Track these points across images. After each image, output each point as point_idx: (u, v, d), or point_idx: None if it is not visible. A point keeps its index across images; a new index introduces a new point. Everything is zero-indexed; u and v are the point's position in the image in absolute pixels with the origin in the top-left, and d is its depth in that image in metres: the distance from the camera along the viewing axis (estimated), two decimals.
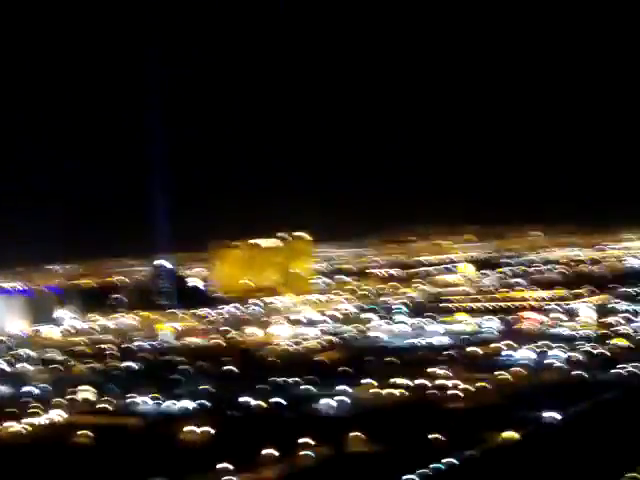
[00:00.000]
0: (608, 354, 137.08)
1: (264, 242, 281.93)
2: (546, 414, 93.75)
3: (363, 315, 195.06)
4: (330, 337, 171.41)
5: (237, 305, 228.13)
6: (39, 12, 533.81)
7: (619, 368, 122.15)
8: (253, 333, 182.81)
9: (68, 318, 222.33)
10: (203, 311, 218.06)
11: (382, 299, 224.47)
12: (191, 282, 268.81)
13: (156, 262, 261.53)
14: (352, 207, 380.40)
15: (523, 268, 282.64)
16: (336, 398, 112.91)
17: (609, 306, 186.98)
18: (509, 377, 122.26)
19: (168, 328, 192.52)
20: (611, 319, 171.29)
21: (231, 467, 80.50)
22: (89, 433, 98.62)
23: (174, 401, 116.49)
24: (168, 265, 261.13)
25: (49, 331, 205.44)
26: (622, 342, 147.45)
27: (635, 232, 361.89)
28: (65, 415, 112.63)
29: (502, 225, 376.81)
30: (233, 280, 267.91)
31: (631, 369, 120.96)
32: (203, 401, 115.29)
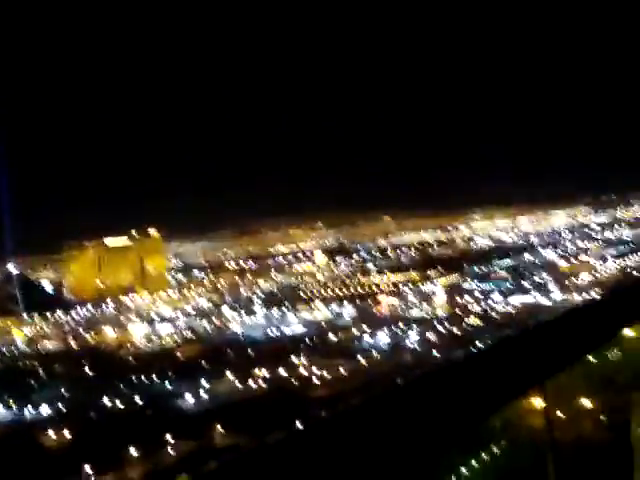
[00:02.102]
0: (462, 334, 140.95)
1: (115, 241, 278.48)
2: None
3: (220, 309, 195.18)
4: (187, 333, 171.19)
5: (91, 307, 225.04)
6: None
7: (474, 347, 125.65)
8: (110, 333, 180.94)
9: None
10: (57, 315, 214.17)
11: (237, 292, 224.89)
12: (43, 286, 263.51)
13: (5, 267, 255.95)
14: (203, 201, 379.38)
15: (374, 254, 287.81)
16: (197, 393, 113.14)
17: (461, 286, 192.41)
18: (367, 362, 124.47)
19: (19, 333, 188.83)
20: (463, 299, 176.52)
21: (93, 471, 79.92)
22: None
23: (33, 407, 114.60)
24: (17, 270, 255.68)
25: None
26: (475, 321, 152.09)
27: (480, 212, 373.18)
28: None
29: (352, 212, 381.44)
30: (86, 281, 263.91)
31: (483, 347, 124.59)
32: (60, 406, 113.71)
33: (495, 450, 57.12)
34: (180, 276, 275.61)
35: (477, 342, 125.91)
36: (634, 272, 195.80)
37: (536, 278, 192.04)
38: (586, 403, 62.84)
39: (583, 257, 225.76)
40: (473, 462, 54.36)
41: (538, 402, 57.77)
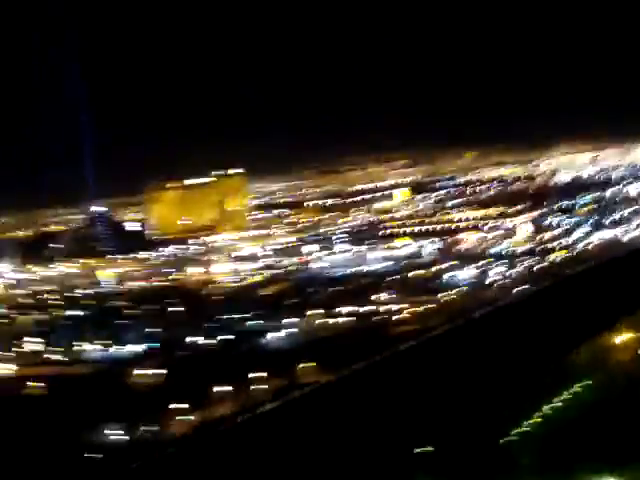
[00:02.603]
0: (549, 267, 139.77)
1: (199, 181, 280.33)
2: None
3: (304, 247, 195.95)
4: (273, 271, 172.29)
5: (177, 246, 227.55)
6: None
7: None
8: (195, 273, 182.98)
9: (7, 271, 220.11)
10: (143, 254, 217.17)
11: (322, 229, 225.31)
12: (129, 226, 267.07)
13: (92, 208, 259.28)
14: (285, 140, 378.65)
15: (459, 189, 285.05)
16: (284, 331, 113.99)
17: (547, 221, 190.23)
18: (454, 298, 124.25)
19: (110, 274, 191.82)
20: (549, 233, 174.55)
21: (185, 406, 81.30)
22: (40, 384, 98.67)
23: (122, 346, 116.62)
24: (104, 211, 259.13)
25: None
26: (562, 254, 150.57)
27: (561, 146, 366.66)
28: (14, 368, 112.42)
29: (435, 149, 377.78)
30: (170, 221, 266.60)
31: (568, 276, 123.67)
32: (151, 344, 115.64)
33: (585, 383, 56.43)
34: (266, 214, 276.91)
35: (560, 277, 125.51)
36: None
37: (619, 213, 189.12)
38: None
39: None
40: (562, 396, 54.05)
41: (629, 334, 56.54)
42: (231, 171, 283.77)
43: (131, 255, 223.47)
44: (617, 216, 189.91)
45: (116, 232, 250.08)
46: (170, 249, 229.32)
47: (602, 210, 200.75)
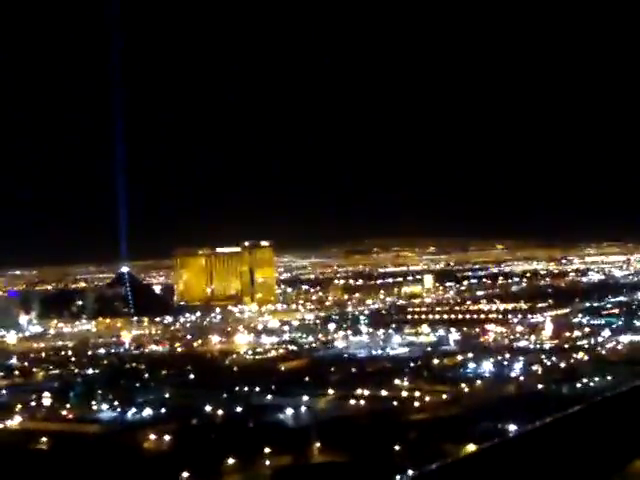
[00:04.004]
0: (570, 368, 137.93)
1: (228, 250, 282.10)
2: (509, 426, 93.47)
3: (327, 325, 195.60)
4: (293, 347, 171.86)
5: (201, 313, 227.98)
6: None
7: (581, 382, 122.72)
8: (216, 342, 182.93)
9: (30, 324, 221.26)
10: (167, 319, 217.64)
11: (346, 309, 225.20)
12: (155, 290, 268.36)
13: (120, 269, 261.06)
14: (316, 218, 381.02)
15: (485, 281, 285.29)
16: (299, 408, 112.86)
17: (572, 320, 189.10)
18: (472, 389, 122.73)
19: (128, 335, 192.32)
20: (574, 333, 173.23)
21: (193, 476, 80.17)
22: (49, 440, 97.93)
23: (136, 409, 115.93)
24: (132, 273, 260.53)
25: (11, 337, 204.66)
26: (584, 356, 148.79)
27: (594, 247, 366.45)
28: (26, 422, 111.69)
29: (465, 238, 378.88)
30: (197, 288, 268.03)
31: (593, 384, 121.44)
32: (165, 409, 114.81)
33: None
34: (291, 289, 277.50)
35: (583, 378, 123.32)
36: None
37: None
38: None
39: None
40: None
41: None
42: (261, 243, 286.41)
43: (157, 318, 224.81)
44: None
45: (142, 294, 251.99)
46: (194, 316, 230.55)
47: (631, 313, 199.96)
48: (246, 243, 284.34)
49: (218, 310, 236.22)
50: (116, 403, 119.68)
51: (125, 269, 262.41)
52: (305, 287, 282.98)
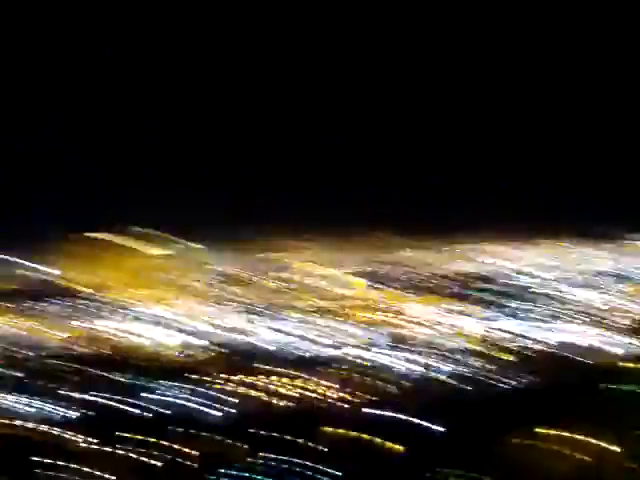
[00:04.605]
0: (493, 368, 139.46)
1: (116, 236, 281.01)
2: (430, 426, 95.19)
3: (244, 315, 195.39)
4: (204, 341, 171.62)
5: (86, 300, 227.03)
6: None
7: (504, 383, 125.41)
8: (106, 330, 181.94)
9: None
10: (54, 307, 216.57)
11: (254, 305, 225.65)
12: (42, 275, 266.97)
13: None
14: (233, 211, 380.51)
15: (414, 283, 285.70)
16: (215, 404, 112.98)
17: (501, 319, 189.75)
18: (388, 388, 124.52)
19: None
20: (502, 333, 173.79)
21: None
22: None
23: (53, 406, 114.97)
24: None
25: None
26: (503, 355, 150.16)
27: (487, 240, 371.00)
28: None
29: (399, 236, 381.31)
30: (86, 274, 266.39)
31: (516, 384, 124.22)
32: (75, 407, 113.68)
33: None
34: (196, 279, 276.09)
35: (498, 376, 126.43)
36: None
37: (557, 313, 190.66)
38: (604, 443, 60.48)
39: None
40: None
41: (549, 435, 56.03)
42: (151, 228, 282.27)
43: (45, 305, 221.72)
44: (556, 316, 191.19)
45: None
46: (76, 304, 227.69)
47: (560, 313, 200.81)
48: (135, 229, 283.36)
49: (105, 299, 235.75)
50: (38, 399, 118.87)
51: None
52: (210, 280, 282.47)
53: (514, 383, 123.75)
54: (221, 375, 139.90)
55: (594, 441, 64.40)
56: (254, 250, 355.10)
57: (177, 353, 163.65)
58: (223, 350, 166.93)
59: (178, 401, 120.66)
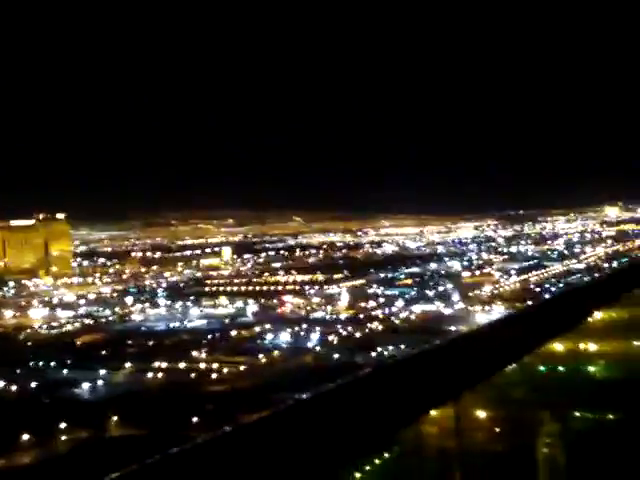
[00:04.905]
0: (365, 338, 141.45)
1: (22, 223, 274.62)
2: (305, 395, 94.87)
3: (124, 298, 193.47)
4: (90, 321, 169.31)
5: None
6: None
7: (377, 351, 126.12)
8: (10, 317, 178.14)
9: None
10: None
11: (144, 282, 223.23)
12: None
13: None
14: (113, 190, 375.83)
15: (282, 253, 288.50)
16: (96, 382, 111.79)
17: (367, 291, 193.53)
18: (270, 360, 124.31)
19: None
20: (369, 304, 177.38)
21: None
22: None
23: None
24: None
25: None
26: (379, 326, 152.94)
27: (388, 219, 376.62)
28: None
29: (262, 211, 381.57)
30: None
31: (388, 352, 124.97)
32: None
33: (398, 456, 56.23)
34: (88, 262, 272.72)
35: (378, 347, 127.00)
36: (536, 288, 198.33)
37: (440, 287, 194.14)
38: (496, 419, 62.25)
39: (487, 269, 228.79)
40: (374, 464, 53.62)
41: (449, 414, 56.78)
42: (57, 215, 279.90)
43: None
44: (438, 289, 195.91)
45: None
46: None
47: (423, 283, 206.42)
48: (41, 216, 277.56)
49: (12, 284, 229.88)
50: None
51: None
52: (102, 260, 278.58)
53: (383, 350, 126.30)
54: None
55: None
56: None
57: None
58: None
59: None
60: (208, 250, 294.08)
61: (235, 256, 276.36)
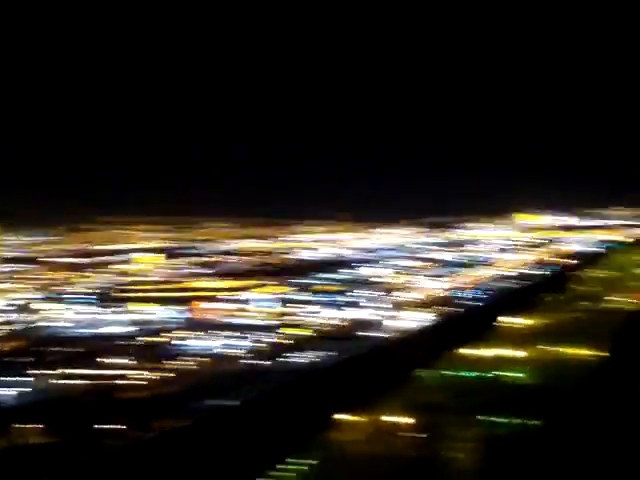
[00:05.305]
0: (285, 342, 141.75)
1: None
2: (225, 402, 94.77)
3: (42, 304, 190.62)
4: (6, 327, 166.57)
5: None
6: None
7: (296, 356, 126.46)
8: None
9: None
10: None
11: (63, 287, 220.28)
12: None
13: None
14: (36, 194, 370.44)
15: (204, 258, 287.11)
16: (12, 389, 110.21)
17: (286, 296, 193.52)
18: (191, 366, 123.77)
19: None
20: (288, 309, 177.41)
21: None
22: None
23: None
24: None
25: None
26: (299, 331, 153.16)
27: (305, 225, 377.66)
28: None
29: (187, 216, 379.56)
30: None
31: (308, 357, 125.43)
32: None
33: (313, 462, 56.21)
34: (5, 268, 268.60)
35: (297, 352, 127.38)
36: (458, 293, 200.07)
37: (357, 293, 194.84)
38: (409, 424, 62.22)
39: (407, 275, 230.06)
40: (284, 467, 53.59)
41: (362, 420, 56.63)
42: None
43: None
44: (352, 296, 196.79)
45: None
46: None
47: (341, 289, 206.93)
48: None
49: None
50: None
51: None
52: (18, 265, 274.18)
53: (312, 356, 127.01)
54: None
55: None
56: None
57: None
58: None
59: None
60: (130, 255, 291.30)
61: (157, 261, 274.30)
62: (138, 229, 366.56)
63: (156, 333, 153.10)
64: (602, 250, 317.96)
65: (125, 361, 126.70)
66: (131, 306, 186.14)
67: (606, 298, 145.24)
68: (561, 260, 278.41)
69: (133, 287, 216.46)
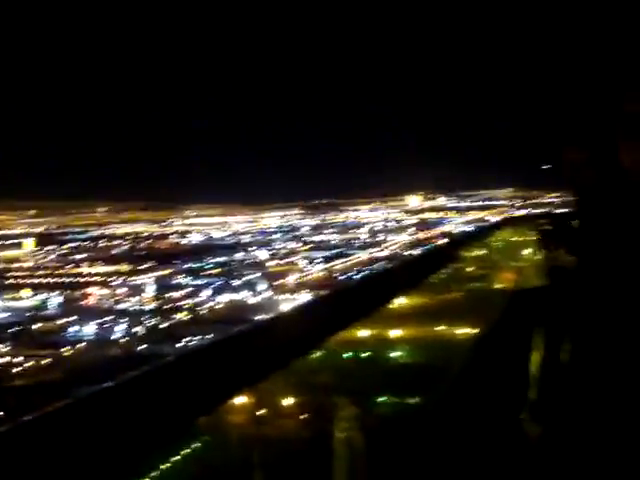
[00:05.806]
0: (172, 328, 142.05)
1: None
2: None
3: None
4: None
5: None
6: None
7: (184, 341, 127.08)
8: None
9: None
10: None
11: None
12: None
13: None
14: None
15: (88, 244, 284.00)
16: None
17: (173, 281, 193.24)
18: (74, 352, 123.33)
19: None
20: (175, 294, 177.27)
21: None
22: None
23: None
24: None
25: None
26: (186, 316, 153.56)
27: (193, 209, 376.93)
28: None
29: (65, 201, 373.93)
30: None
31: (194, 342, 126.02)
32: None
33: (197, 446, 56.87)
34: None
35: (183, 337, 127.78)
36: (341, 276, 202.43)
37: (245, 277, 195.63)
38: (293, 405, 62.99)
39: (292, 258, 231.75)
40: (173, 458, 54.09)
41: (244, 402, 57.47)
42: None
43: None
44: (244, 279, 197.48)
45: None
46: None
47: (229, 273, 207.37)
48: None
49: None
50: None
51: None
52: None
53: (190, 341, 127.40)
54: None
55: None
56: None
57: None
58: None
59: None
60: (8, 242, 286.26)
61: (38, 248, 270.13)
62: (20, 215, 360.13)
63: (49, 319, 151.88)
64: (482, 230, 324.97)
65: (16, 348, 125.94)
66: (19, 293, 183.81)
67: (485, 277, 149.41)
68: (441, 241, 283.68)
69: (19, 273, 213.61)
